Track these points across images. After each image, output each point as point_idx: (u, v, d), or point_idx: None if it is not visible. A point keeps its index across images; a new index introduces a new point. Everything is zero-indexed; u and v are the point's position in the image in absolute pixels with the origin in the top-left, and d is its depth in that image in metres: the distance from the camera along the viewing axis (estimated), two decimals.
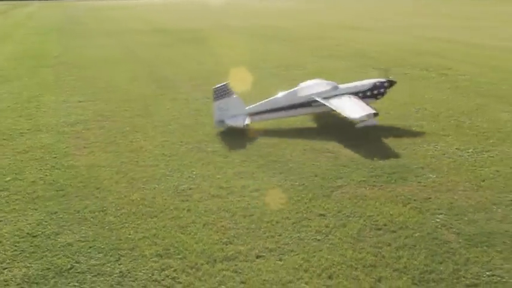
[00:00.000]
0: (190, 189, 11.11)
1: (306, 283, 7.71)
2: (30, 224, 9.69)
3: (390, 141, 13.70)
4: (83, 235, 9.23)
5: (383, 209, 9.90)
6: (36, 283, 7.90)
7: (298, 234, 9.08)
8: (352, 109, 14.04)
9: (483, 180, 11.21)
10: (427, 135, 14.09)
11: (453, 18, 52.51)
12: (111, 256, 8.55)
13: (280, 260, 8.34)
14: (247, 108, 15.11)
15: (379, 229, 9.21)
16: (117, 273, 8.08)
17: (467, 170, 11.81)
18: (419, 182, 11.15)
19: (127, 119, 16.58)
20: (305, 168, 12.05)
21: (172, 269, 8.17)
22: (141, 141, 14.21)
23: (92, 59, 29.73)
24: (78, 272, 8.13)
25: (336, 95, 14.86)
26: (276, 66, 25.74)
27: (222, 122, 14.90)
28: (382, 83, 15.35)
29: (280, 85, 20.60)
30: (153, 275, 8.03)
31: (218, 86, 15.16)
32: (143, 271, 8.13)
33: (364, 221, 9.49)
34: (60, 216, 9.97)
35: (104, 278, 7.97)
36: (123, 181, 11.56)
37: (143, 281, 7.88)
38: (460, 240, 8.80)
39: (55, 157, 13.17)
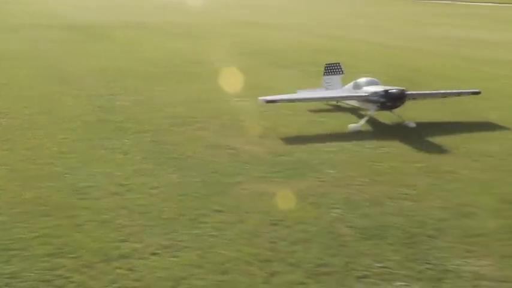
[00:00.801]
0: (88, 187, 10.89)
1: (200, 279, 7.70)
2: None
3: (291, 138, 13.89)
4: None
5: (281, 205, 10.00)
6: None
7: (195, 231, 9.06)
8: None
9: (379, 175, 11.50)
10: (328, 131, 14.34)
11: (355, 17, 53.69)
12: (0, 257, 8.28)
13: (175, 256, 8.29)
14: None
15: (276, 224, 9.29)
16: (6, 275, 7.83)
17: (365, 165, 12.09)
18: (318, 178, 11.33)
19: (26, 116, 16.10)
20: (205, 164, 12.05)
21: (65, 268, 7.98)
22: (40, 139, 13.83)
23: None
24: None
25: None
26: (182, 63, 25.61)
27: None
28: (377, 92, 14.73)
29: (183, 82, 20.68)
30: (44, 275, 7.82)
31: (330, 63, 17.31)
32: (34, 271, 7.91)
33: (262, 216, 9.56)
34: None
35: None
36: (17, 180, 11.20)
37: (34, 282, 7.66)
38: (354, 234, 8.99)
39: None
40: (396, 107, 14.73)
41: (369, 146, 13.29)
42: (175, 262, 8.14)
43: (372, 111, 14.99)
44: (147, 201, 10.22)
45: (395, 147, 13.26)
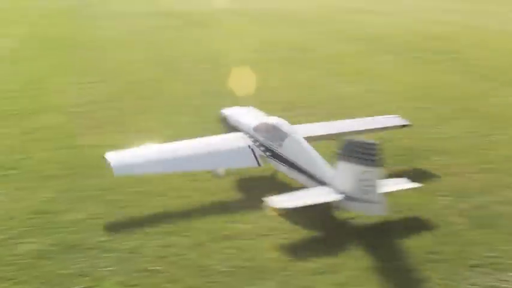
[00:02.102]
0: None
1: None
2: (40, 201, 9.80)
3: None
4: (91, 212, 9.33)
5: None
6: (47, 258, 8.01)
7: None
8: None
9: (491, 163, 11.26)
10: (434, 118, 14.12)
11: (463, 1, 52.10)
12: (119, 233, 8.65)
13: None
14: None
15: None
16: (125, 250, 8.20)
17: (476, 152, 11.84)
18: (431, 164, 11.23)
19: (136, 100, 16.60)
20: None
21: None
22: (150, 122, 14.24)
23: (101, 40, 29.61)
24: (87, 248, 8.26)
25: None
26: (290, 49, 25.58)
27: None
28: None
29: (293, 68, 20.71)
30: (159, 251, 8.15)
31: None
32: (149, 246, 8.26)
33: None
34: (70, 194, 10.07)
35: (113, 254, 8.09)
36: None
37: (149, 258, 7.99)
38: (466, 221, 8.88)
39: (64, 137, 13.21)
40: None
41: (478, 133, 12.97)
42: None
43: None
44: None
45: (508, 136, 12.90)
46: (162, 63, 22.79)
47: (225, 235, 8.60)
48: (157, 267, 7.77)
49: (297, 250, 8.13)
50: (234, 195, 10.02)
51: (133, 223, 8.98)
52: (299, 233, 8.59)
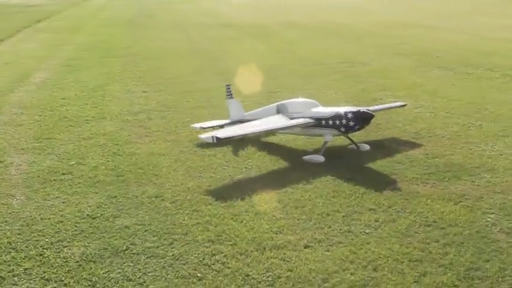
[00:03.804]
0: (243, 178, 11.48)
1: (351, 274, 7.88)
2: (90, 206, 10.17)
3: (447, 140, 13.67)
4: (140, 219, 9.61)
5: (434, 206, 9.95)
6: (94, 261, 8.30)
7: (348, 227, 9.24)
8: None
9: None
10: (485, 135, 13.98)
11: None
12: (164, 240, 8.90)
13: (328, 250, 8.53)
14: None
15: (429, 225, 9.28)
16: (169, 256, 8.42)
17: None
18: (473, 182, 11.11)
19: (189, 109, 16.95)
20: (361, 161, 12.28)
21: (222, 254, 8.46)
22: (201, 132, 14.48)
23: (159, 51, 30.27)
24: (133, 253, 8.51)
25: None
26: (340, 62, 25.67)
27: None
28: (346, 113, 12.47)
29: (344, 81, 20.83)
30: (204, 259, 8.33)
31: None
32: (195, 255, 8.44)
33: (414, 217, 9.57)
34: (119, 200, 10.41)
35: (157, 260, 8.32)
36: (180, 169, 11.92)
37: (194, 264, 8.18)
38: (510, 240, 8.79)
39: (117, 144, 13.67)
40: None
41: None
42: (328, 256, 8.38)
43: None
44: (302, 196, 10.52)
45: None
46: (218, 73, 23.01)
47: (270, 245, 8.72)
48: (200, 275, 7.96)
49: (338, 262, 8.22)
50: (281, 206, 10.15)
51: (179, 230, 9.21)
52: (342, 246, 8.67)
